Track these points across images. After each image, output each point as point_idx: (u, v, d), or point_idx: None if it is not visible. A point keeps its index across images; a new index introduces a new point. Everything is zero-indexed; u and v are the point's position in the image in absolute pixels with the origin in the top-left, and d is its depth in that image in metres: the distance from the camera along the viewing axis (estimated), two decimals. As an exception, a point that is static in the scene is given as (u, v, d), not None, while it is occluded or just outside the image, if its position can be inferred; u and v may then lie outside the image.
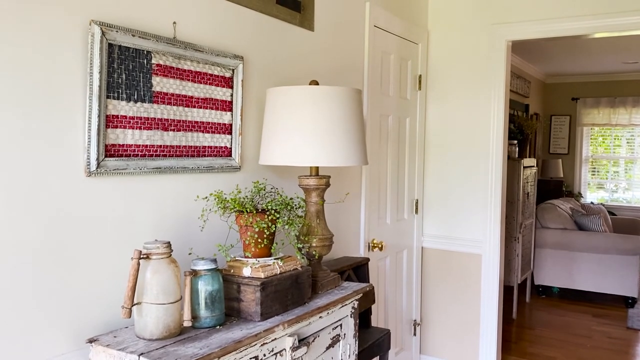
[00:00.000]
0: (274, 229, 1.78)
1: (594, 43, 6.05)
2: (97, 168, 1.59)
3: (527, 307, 5.67)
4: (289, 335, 1.71)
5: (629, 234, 6.38)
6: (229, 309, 1.71)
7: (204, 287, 1.60)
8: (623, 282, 5.56)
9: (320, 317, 1.87)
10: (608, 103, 8.26)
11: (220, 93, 2.03)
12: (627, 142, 8.34)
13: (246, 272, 1.71)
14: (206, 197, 1.94)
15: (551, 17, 3.36)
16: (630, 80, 8.08)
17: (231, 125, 2.09)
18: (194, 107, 1.92)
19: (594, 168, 8.58)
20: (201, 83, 1.94)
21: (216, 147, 2.02)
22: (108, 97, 1.63)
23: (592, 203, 7.86)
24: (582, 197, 8.41)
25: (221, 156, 2.05)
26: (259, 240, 1.76)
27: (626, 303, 5.70)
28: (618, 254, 5.57)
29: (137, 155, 1.72)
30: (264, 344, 1.61)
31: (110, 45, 1.62)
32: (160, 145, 1.80)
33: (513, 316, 5.28)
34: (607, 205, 8.16)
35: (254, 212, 1.75)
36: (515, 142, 5.49)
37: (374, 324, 3.15)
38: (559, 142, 8.64)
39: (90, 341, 1.51)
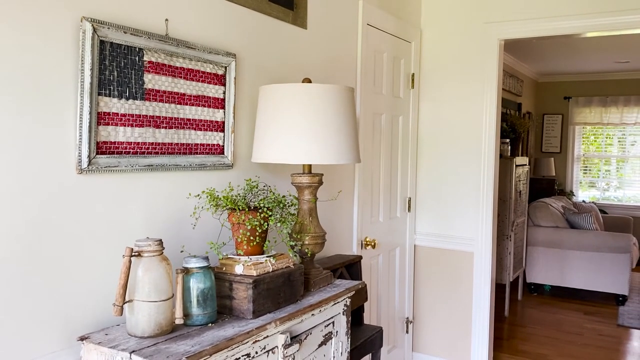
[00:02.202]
0: (266, 226, 1.78)
1: (586, 42, 6.08)
2: (88, 165, 1.59)
3: (519, 305, 5.70)
4: (281, 333, 1.71)
5: (620, 232, 6.43)
6: (221, 306, 1.71)
7: (196, 285, 1.60)
8: (614, 280, 5.60)
9: (312, 314, 1.87)
10: (600, 102, 8.30)
11: (212, 90, 2.02)
12: (619, 141, 8.39)
13: (238, 269, 1.71)
14: (198, 195, 1.94)
15: (543, 16, 3.37)
16: (621, 80, 8.13)
17: (224, 122, 2.08)
18: (186, 104, 1.91)
19: (586, 167, 8.63)
20: (193, 80, 1.94)
21: (208, 144, 2.02)
22: (99, 94, 1.62)
23: (583, 201, 7.91)
24: (574, 195, 8.45)
25: (213, 154, 2.05)
26: (251, 238, 1.76)
27: (617, 301, 5.75)
28: (609, 252, 5.61)
29: (128, 153, 1.72)
30: (256, 341, 1.61)
31: (101, 42, 1.62)
32: (152, 143, 1.79)
33: (505, 314, 5.31)
34: (598, 203, 8.22)
35: (246, 209, 1.75)
36: (508, 140, 5.51)
37: (366, 321, 3.16)
38: (551, 141, 8.68)
39: (82, 339, 1.50)
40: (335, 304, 2.01)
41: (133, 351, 1.40)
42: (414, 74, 3.70)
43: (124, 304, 1.47)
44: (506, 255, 5.09)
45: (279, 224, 1.82)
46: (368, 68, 3.15)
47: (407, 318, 3.80)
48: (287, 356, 1.72)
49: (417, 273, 3.87)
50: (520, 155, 6.30)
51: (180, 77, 1.88)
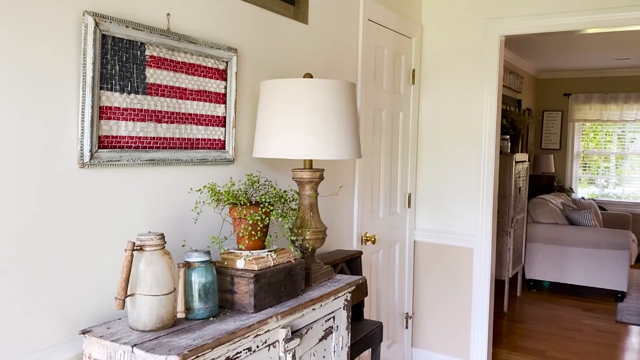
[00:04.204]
0: (267, 221, 1.78)
1: (586, 39, 6.08)
2: (90, 159, 1.59)
3: (518, 301, 5.71)
4: (282, 327, 1.72)
5: (619, 228, 6.44)
6: (223, 300, 1.71)
7: (198, 279, 1.60)
8: (612, 277, 5.62)
9: (313, 309, 1.88)
10: (599, 99, 8.30)
11: (214, 85, 2.02)
12: (618, 138, 8.39)
13: (240, 264, 1.72)
14: (200, 190, 1.94)
15: (544, 12, 3.37)
16: (621, 77, 8.13)
17: (225, 117, 2.08)
18: (188, 99, 1.92)
19: (585, 163, 8.64)
20: (195, 75, 1.94)
21: (210, 139, 2.02)
22: (101, 88, 1.62)
23: (582, 198, 7.92)
24: (573, 192, 8.46)
25: (215, 149, 2.05)
26: (253, 232, 1.76)
27: (615, 297, 5.76)
28: (608, 249, 5.62)
29: (130, 147, 1.72)
30: (257, 335, 1.62)
31: (103, 36, 1.62)
32: (154, 137, 1.80)
33: (504, 310, 5.32)
34: (597, 200, 8.23)
35: (248, 204, 1.76)
36: (508, 137, 5.52)
37: (366, 316, 3.17)
38: (550, 138, 8.69)
39: (84, 332, 1.51)
40: (335, 298, 2.02)
41: (135, 345, 1.41)
42: (414, 69, 3.70)
43: (125, 297, 1.47)
44: (505, 252, 5.10)
45: (280, 219, 1.83)
46: (369, 64, 3.15)
47: (407, 313, 3.81)
48: (287, 350, 1.73)
49: (416, 269, 3.88)
50: (520, 151, 6.31)
51: (182, 71, 1.88)
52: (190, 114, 1.93)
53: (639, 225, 7.95)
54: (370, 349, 2.71)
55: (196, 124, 1.96)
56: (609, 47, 6.49)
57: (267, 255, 1.77)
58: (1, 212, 1.41)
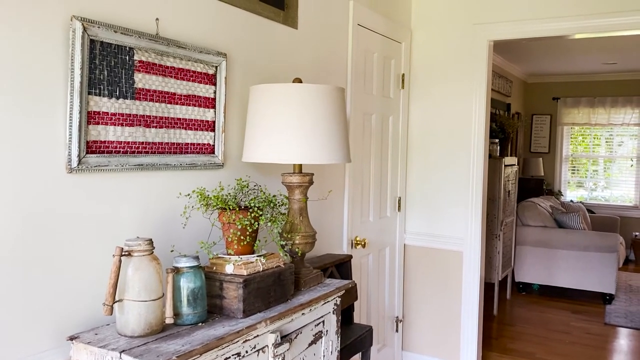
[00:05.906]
0: (256, 226, 1.78)
1: (575, 43, 6.14)
2: (78, 165, 1.58)
3: (508, 304, 5.74)
4: (271, 332, 1.72)
5: (607, 231, 6.50)
6: (212, 306, 1.71)
7: (186, 284, 1.60)
8: (601, 279, 5.66)
9: (302, 313, 1.88)
10: (588, 103, 8.38)
11: (203, 90, 2.02)
12: (606, 142, 8.47)
13: (229, 269, 1.72)
14: (189, 194, 1.94)
15: (533, 17, 3.40)
16: (609, 81, 8.21)
17: (214, 122, 2.08)
18: (177, 103, 1.91)
19: (574, 167, 8.71)
20: (184, 80, 1.93)
21: (199, 144, 2.02)
22: (89, 93, 1.62)
23: (571, 201, 7.98)
24: (562, 195, 8.53)
25: (204, 153, 2.05)
26: (242, 237, 1.76)
27: (604, 299, 5.80)
28: (596, 252, 5.67)
29: (119, 152, 1.72)
30: (246, 340, 1.62)
31: (91, 41, 1.61)
32: (143, 142, 1.79)
33: (494, 313, 5.34)
34: (586, 203, 8.29)
35: (237, 209, 1.76)
36: (497, 140, 5.54)
37: (356, 320, 3.17)
38: (539, 141, 8.75)
39: (71, 339, 1.50)
40: (325, 303, 2.02)
41: (123, 351, 1.40)
42: (404, 74, 3.72)
43: (114, 303, 1.46)
44: (495, 255, 5.12)
45: (269, 224, 1.83)
46: (358, 68, 3.16)
47: (397, 317, 3.82)
48: (277, 355, 1.73)
49: (406, 272, 3.89)
50: (509, 155, 6.35)
51: (171, 76, 1.88)
52: (179, 119, 1.93)
53: (626, 228, 8.03)
54: (361, 352, 2.71)
55: (185, 128, 1.95)
56: (597, 51, 6.56)
57: (256, 260, 1.77)
58: (-12, 218, 1.40)
